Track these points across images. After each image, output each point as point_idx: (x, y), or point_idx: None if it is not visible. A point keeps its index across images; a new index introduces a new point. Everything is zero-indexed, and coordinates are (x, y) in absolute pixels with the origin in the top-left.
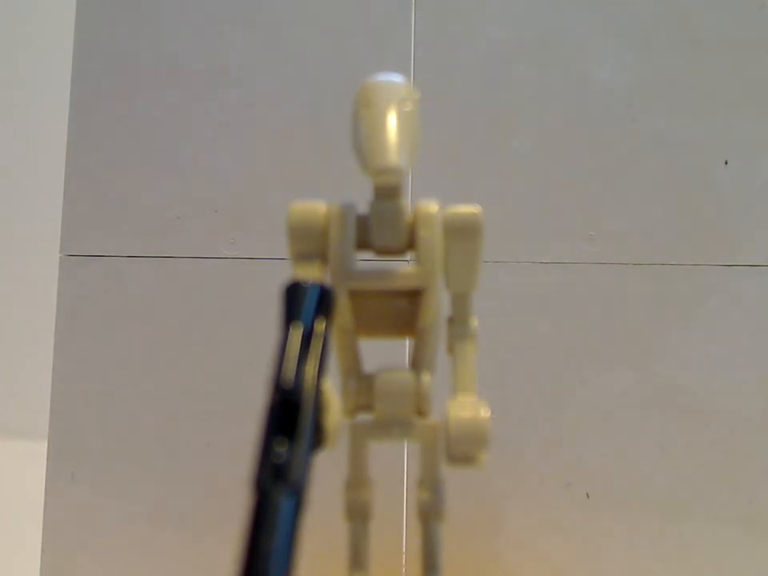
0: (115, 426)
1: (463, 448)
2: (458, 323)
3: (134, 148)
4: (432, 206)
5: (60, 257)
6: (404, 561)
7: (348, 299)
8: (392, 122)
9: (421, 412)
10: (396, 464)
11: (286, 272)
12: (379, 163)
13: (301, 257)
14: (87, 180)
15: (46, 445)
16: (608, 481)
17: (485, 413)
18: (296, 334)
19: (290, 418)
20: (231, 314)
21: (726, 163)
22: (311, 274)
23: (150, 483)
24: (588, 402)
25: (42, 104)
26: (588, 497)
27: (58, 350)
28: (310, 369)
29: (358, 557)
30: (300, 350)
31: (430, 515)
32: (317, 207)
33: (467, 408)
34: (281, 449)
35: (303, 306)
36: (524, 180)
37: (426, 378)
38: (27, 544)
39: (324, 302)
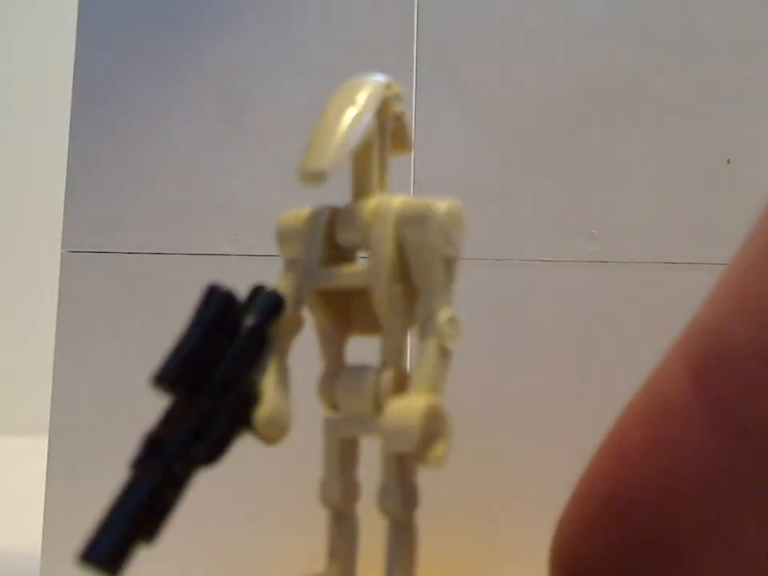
0: (116, 421)
1: (393, 443)
2: (423, 320)
3: (135, 144)
4: (394, 201)
5: (62, 253)
6: None
7: (320, 298)
8: (326, 125)
9: (380, 409)
10: None
11: None
12: (300, 167)
13: (287, 263)
14: (89, 176)
15: (47, 440)
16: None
17: (418, 407)
18: (189, 335)
19: (174, 405)
20: None
21: (729, 162)
22: (292, 280)
23: None
24: (589, 400)
25: (44, 100)
26: None
27: (59, 345)
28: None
29: (333, 550)
30: (185, 348)
31: (389, 516)
32: (301, 212)
33: (403, 403)
34: (160, 431)
35: (204, 310)
36: (524, 177)
37: (387, 375)
38: (27, 539)
39: (261, 302)
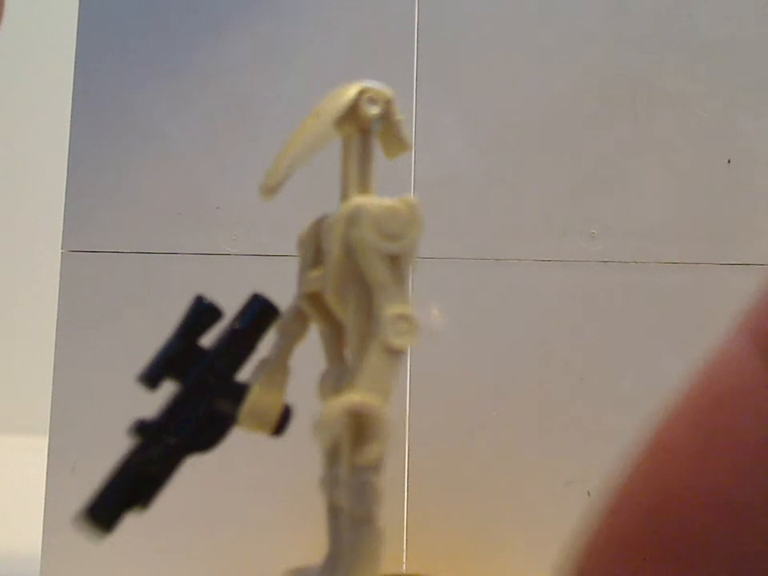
0: (116, 420)
1: (315, 438)
2: (375, 321)
3: (136, 144)
4: (356, 202)
5: (62, 252)
6: (404, 558)
7: (312, 302)
8: (289, 140)
9: None
10: (397, 460)
11: (286, 269)
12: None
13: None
14: (89, 175)
15: (47, 439)
16: (609, 479)
17: (338, 405)
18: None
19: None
20: (232, 311)
21: (729, 162)
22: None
23: None
24: (589, 399)
25: (45, 100)
26: (589, 495)
27: (59, 345)
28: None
29: (330, 544)
30: (166, 351)
31: (344, 510)
32: (310, 223)
33: (332, 401)
34: (153, 419)
35: (187, 318)
36: (524, 177)
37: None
38: (28, 538)
39: (250, 309)
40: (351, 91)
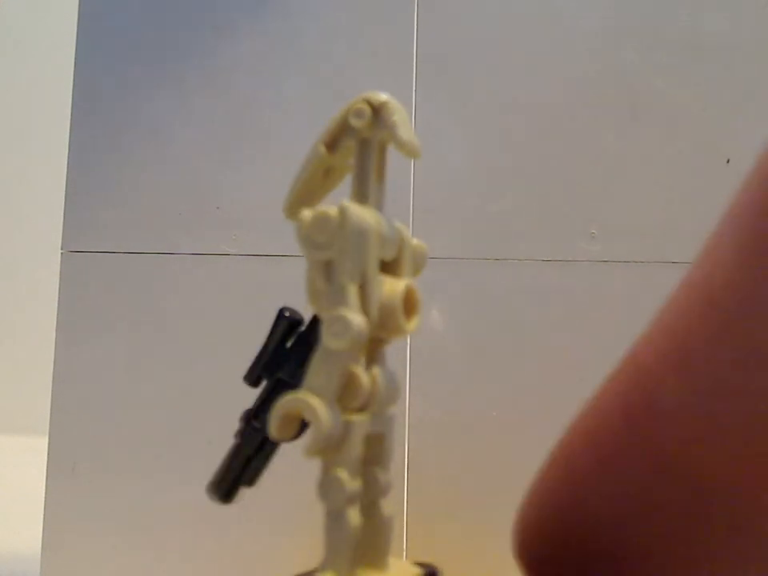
0: (115, 421)
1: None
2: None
3: (136, 145)
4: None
5: (62, 253)
6: (404, 557)
7: None
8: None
9: None
10: (397, 459)
11: (286, 269)
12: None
13: None
14: (89, 177)
15: (47, 439)
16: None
17: (284, 402)
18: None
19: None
20: (232, 310)
21: (729, 162)
22: None
23: (150, 478)
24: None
25: (45, 101)
26: None
27: (59, 345)
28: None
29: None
30: (259, 358)
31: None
32: None
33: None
34: (251, 409)
35: (272, 327)
36: (524, 178)
37: None
38: (28, 538)
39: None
40: (345, 108)
